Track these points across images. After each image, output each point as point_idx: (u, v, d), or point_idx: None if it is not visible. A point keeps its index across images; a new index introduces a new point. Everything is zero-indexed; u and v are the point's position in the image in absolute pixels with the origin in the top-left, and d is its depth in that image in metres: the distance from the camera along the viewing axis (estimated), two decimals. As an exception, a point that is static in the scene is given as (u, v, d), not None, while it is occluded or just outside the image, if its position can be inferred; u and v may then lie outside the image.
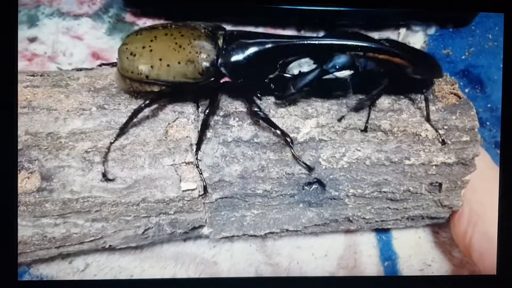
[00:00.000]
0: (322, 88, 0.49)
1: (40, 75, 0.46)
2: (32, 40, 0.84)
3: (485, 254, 0.49)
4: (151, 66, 0.42)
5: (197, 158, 0.45)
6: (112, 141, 0.43)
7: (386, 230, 0.58)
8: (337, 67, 0.44)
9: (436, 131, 0.48)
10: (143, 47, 0.43)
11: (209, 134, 0.46)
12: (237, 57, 0.43)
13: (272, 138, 0.46)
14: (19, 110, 0.42)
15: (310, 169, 0.47)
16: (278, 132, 0.45)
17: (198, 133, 0.44)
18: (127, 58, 0.43)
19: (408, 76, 0.47)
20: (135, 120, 0.43)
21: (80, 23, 0.87)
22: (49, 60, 0.81)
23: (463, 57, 0.88)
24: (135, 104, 0.45)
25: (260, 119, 0.45)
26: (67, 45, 0.83)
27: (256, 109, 0.45)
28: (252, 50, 0.43)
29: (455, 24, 0.92)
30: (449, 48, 0.91)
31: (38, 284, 0.45)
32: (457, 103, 0.50)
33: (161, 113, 0.45)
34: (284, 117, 0.47)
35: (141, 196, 0.44)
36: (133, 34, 0.45)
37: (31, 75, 0.46)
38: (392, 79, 0.47)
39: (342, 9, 0.84)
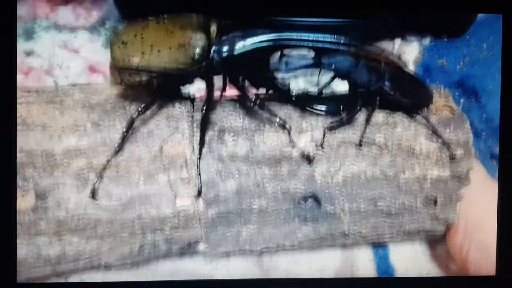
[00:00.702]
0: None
1: (35, 91, 0.46)
2: (29, 53, 0.84)
3: (482, 267, 0.49)
4: (142, 53, 0.42)
5: (199, 158, 0.44)
6: (109, 158, 0.43)
7: (383, 244, 0.58)
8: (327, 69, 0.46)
9: (445, 144, 0.48)
10: (135, 35, 0.43)
11: (204, 150, 0.46)
12: (228, 47, 0.43)
13: (267, 154, 0.46)
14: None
15: (309, 160, 0.47)
16: (277, 119, 0.46)
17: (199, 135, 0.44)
18: (119, 47, 0.43)
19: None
20: (130, 137, 0.43)
21: (77, 36, 0.88)
22: (46, 73, 0.81)
23: (458, 67, 0.89)
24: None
25: (259, 107, 0.45)
26: (63, 58, 0.84)
27: (253, 97, 0.45)
28: (244, 41, 0.43)
29: (449, 34, 0.93)
30: (444, 58, 0.92)
31: (36, 287, 0.45)
32: (451, 116, 0.51)
33: (156, 129, 0.45)
34: (279, 132, 0.47)
35: (136, 213, 0.44)
36: (125, 26, 0.45)
37: (26, 92, 0.46)
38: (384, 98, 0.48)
39: (336, 20, 0.85)
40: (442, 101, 0.52)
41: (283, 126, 0.46)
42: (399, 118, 0.49)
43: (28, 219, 0.42)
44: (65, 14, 0.92)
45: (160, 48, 0.42)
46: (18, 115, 0.43)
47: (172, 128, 0.45)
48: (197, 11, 0.49)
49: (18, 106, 0.44)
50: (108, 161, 0.43)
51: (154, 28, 0.43)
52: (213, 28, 0.44)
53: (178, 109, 0.46)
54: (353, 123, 0.48)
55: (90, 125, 0.43)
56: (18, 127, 0.42)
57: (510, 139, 0.52)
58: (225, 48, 0.43)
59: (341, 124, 0.47)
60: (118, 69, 0.43)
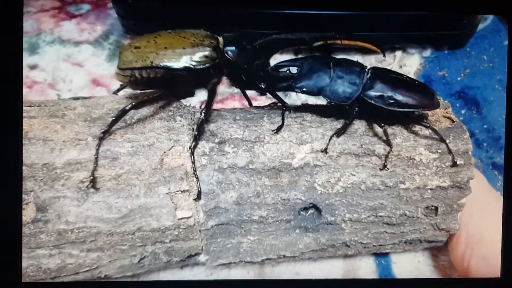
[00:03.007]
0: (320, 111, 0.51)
1: (37, 106, 0.47)
2: (33, 67, 0.85)
3: (484, 276, 0.49)
4: (156, 53, 0.45)
5: (193, 160, 0.45)
6: (100, 136, 0.43)
7: (385, 255, 0.58)
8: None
9: (450, 152, 0.48)
10: (148, 41, 0.46)
11: (204, 161, 0.46)
12: (235, 51, 0.46)
13: (267, 164, 0.46)
14: (16, 142, 0.43)
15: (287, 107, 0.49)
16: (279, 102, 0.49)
17: (194, 135, 0.45)
18: (131, 51, 0.46)
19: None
20: (130, 149, 0.44)
21: (81, 50, 0.89)
22: (49, 87, 0.82)
23: (458, 78, 0.89)
24: (131, 133, 0.45)
25: (265, 91, 0.48)
26: (67, 72, 0.85)
27: (262, 85, 0.48)
28: (247, 45, 0.47)
29: (450, 46, 0.93)
30: (445, 70, 0.92)
31: (41, 286, 0.45)
32: (451, 126, 0.51)
33: (157, 142, 0.45)
34: (279, 143, 0.47)
35: (136, 225, 0.44)
36: (136, 38, 0.48)
37: (28, 106, 0.46)
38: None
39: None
40: (441, 112, 0.52)
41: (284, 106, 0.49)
42: (398, 128, 0.49)
43: (28, 232, 0.42)
44: (69, 28, 0.94)
45: (175, 48, 0.45)
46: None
47: (172, 141, 0.45)
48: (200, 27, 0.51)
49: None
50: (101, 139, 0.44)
51: (166, 35, 0.47)
52: (221, 40, 0.47)
53: (179, 122, 0.47)
54: (352, 134, 0.48)
55: (91, 138, 0.44)
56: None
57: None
58: (233, 48, 0.46)
59: (346, 128, 0.48)
60: (130, 69, 0.46)
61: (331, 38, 0.48)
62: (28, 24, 0.92)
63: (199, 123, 0.45)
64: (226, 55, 0.46)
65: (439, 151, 0.49)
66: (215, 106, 0.49)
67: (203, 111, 0.46)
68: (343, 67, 0.49)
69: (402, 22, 0.86)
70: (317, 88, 0.48)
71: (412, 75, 0.91)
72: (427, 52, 0.95)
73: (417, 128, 0.50)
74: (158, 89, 0.46)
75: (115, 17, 0.90)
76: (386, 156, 0.47)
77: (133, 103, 0.44)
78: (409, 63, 0.93)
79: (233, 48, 0.47)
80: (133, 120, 0.46)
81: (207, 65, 0.45)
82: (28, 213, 0.42)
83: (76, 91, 0.80)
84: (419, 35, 0.91)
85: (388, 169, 0.47)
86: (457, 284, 0.53)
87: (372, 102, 0.48)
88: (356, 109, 0.48)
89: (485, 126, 0.83)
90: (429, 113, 0.52)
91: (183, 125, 0.47)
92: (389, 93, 0.48)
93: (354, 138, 0.48)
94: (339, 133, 0.48)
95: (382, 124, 0.47)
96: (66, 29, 0.93)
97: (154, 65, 0.44)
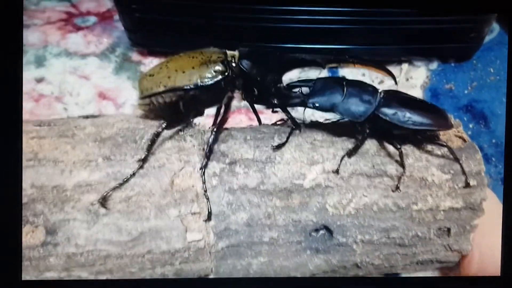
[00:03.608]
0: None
1: (47, 125, 0.47)
2: (39, 80, 0.85)
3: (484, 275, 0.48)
4: (168, 77, 0.46)
5: (203, 181, 0.45)
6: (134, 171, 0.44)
7: (396, 275, 0.57)
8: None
9: (464, 173, 0.47)
10: (160, 68, 0.48)
11: (214, 181, 0.46)
12: (249, 64, 0.47)
13: (279, 186, 0.46)
14: (25, 163, 0.42)
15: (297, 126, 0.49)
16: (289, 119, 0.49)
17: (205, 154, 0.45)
18: (146, 80, 0.48)
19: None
20: (141, 171, 0.44)
21: (87, 62, 0.89)
22: (56, 100, 0.82)
23: (466, 91, 0.89)
24: (141, 154, 0.45)
25: (277, 107, 0.49)
26: (73, 85, 0.85)
27: (275, 101, 0.49)
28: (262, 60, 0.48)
29: (456, 58, 0.93)
30: (452, 83, 0.92)
31: (41, 284, 0.44)
32: (463, 146, 0.50)
33: (167, 163, 0.45)
34: (290, 163, 0.47)
35: (146, 248, 0.43)
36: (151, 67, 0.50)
37: (37, 125, 0.46)
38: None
39: (343, 47, 0.86)
40: (452, 131, 0.52)
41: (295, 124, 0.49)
42: (410, 148, 0.49)
43: (37, 255, 0.41)
44: (76, 41, 0.94)
45: (184, 69, 0.46)
46: (29, 150, 0.43)
47: (183, 162, 0.45)
48: (206, 40, 0.51)
49: (30, 141, 0.44)
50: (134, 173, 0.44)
51: (177, 59, 0.48)
52: (231, 53, 0.48)
53: (190, 142, 0.46)
54: (364, 154, 0.48)
55: (101, 159, 0.43)
56: (29, 163, 0.42)
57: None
58: (248, 61, 0.47)
59: (357, 148, 0.47)
60: (148, 96, 0.47)
61: (344, 61, 0.49)
62: (34, 37, 0.92)
63: (210, 143, 0.45)
64: (241, 66, 0.47)
65: (452, 171, 0.48)
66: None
67: (214, 130, 0.46)
68: (355, 86, 0.49)
69: (408, 35, 0.86)
70: (330, 104, 0.48)
71: (419, 88, 0.91)
72: (434, 65, 0.94)
73: (429, 148, 0.49)
74: (177, 113, 0.47)
75: (122, 29, 0.90)
76: (399, 178, 0.47)
77: (164, 125, 0.44)
78: (415, 75, 0.92)
79: (248, 61, 0.47)
80: (143, 141, 0.46)
81: (217, 79, 0.46)
82: (37, 236, 0.41)
83: (83, 104, 0.80)
84: (425, 48, 0.91)
85: (400, 190, 0.47)
86: (457, 282, 0.53)
87: (387, 119, 0.47)
88: (368, 130, 0.47)
89: (494, 141, 0.82)
90: (441, 132, 0.52)
91: (194, 145, 0.47)
92: (405, 111, 0.48)
93: (366, 158, 0.48)
94: (350, 153, 0.47)
95: (399, 146, 0.47)
96: (73, 41, 0.93)
97: (167, 88, 0.45)
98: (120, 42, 0.92)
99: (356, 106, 0.47)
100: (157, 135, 0.44)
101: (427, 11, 0.80)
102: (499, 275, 0.47)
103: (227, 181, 0.46)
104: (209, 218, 0.45)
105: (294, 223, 0.47)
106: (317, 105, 0.48)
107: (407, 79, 0.92)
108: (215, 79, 0.46)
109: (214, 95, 0.48)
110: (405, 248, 0.50)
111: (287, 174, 0.46)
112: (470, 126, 0.83)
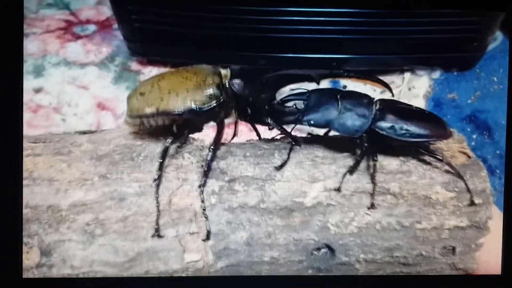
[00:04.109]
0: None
1: (43, 142, 0.46)
2: (38, 90, 0.85)
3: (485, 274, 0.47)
4: (161, 99, 0.44)
5: (202, 199, 0.44)
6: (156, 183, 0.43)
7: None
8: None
9: (468, 191, 0.46)
10: (152, 86, 0.45)
11: (213, 200, 0.45)
12: (241, 84, 0.46)
13: (279, 204, 0.45)
14: (20, 183, 0.41)
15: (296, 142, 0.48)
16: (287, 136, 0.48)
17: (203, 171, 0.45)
18: (137, 99, 0.45)
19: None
20: (138, 189, 0.43)
21: (86, 72, 0.88)
22: (54, 111, 0.81)
23: (469, 101, 0.88)
24: (138, 172, 0.44)
25: (274, 127, 0.48)
26: (72, 95, 0.84)
27: (268, 121, 0.47)
28: (254, 79, 0.47)
29: (459, 67, 0.92)
30: (455, 92, 0.91)
31: (42, 282, 0.43)
32: (467, 163, 0.49)
33: (165, 181, 0.44)
34: (290, 181, 0.46)
35: (143, 269, 0.42)
36: (141, 82, 0.48)
37: (33, 142, 0.45)
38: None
39: (345, 56, 0.85)
40: (456, 146, 0.51)
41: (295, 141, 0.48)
42: (414, 166, 0.48)
43: (32, 276, 0.40)
44: (75, 50, 0.93)
45: (178, 91, 0.44)
46: (24, 168, 0.42)
47: (181, 180, 0.44)
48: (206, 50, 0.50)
49: (25, 159, 0.43)
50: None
51: (169, 77, 0.46)
52: (224, 72, 0.47)
53: (188, 160, 0.45)
54: (366, 171, 0.47)
55: (97, 178, 0.42)
56: (24, 182, 0.42)
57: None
58: (239, 81, 0.46)
59: (358, 164, 0.46)
60: (138, 117, 0.45)
61: (339, 76, 0.48)
62: (33, 46, 0.91)
63: (208, 160, 0.44)
64: (232, 87, 0.46)
65: (456, 189, 0.47)
66: (225, 132, 0.48)
67: (212, 147, 0.45)
68: (350, 99, 0.48)
69: (410, 44, 0.85)
70: (325, 120, 0.47)
71: (421, 98, 0.90)
72: (436, 74, 0.93)
73: (433, 165, 0.48)
74: (168, 133, 0.46)
75: (121, 38, 0.89)
76: (372, 194, 0.46)
77: (170, 140, 0.43)
78: (418, 85, 0.91)
79: (239, 81, 0.46)
80: (140, 158, 0.45)
81: (212, 105, 0.45)
82: (32, 257, 0.40)
83: (82, 115, 0.79)
84: (428, 57, 0.90)
85: (376, 207, 0.46)
86: (457, 281, 0.51)
87: (384, 133, 0.46)
88: (366, 144, 0.46)
89: (498, 152, 0.81)
90: (444, 148, 0.51)
91: (192, 163, 0.46)
92: (401, 124, 0.47)
93: (368, 176, 0.47)
94: (352, 170, 0.46)
95: (376, 159, 0.46)
96: (72, 50, 0.92)
97: (160, 111, 0.44)
98: (119, 51, 0.92)
99: (352, 121, 0.47)
100: (165, 150, 0.43)
101: (431, 12, 0.79)
102: (500, 274, 0.47)
103: (227, 199, 0.45)
104: (207, 237, 0.44)
105: (295, 242, 0.46)
106: (312, 122, 0.47)
107: (410, 89, 0.91)
108: (210, 105, 0.44)
109: (208, 117, 0.47)
110: (409, 267, 0.48)
111: (287, 192, 0.45)
112: (474, 137, 0.82)
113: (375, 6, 0.78)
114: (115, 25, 0.93)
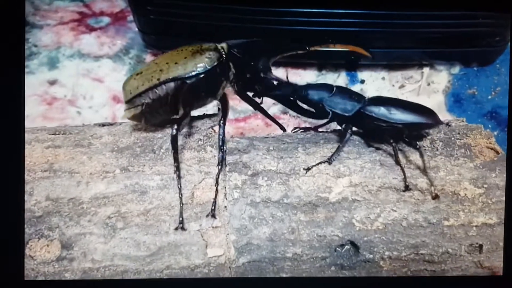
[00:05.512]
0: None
1: (62, 133, 0.45)
2: (52, 82, 0.84)
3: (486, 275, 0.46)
4: (161, 70, 0.44)
5: (220, 169, 0.43)
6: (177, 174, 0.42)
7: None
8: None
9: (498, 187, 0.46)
10: (148, 65, 0.46)
11: (236, 194, 0.44)
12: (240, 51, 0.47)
13: (303, 199, 0.44)
14: (40, 174, 0.41)
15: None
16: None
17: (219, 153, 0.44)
18: (135, 79, 0.45)
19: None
20: (160, 182, 0.42)
21: (101, 64, 0.87)
22: (69, 103, 0.80)
23: (489, 97, 0.86)
24: (160, 164, 0.43)
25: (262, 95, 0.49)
26: (87, 88, 0.83)
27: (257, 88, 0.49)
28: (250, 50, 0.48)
29: (479, 62, 0.90)
30: (475, 88, 0.88)
31: (43, 284, 0.43)
32: (495, 159, 0.48)
33: (187, 174, 0.43)
34: (315, 175, 0.45)
35: (165, 264, 0.41)
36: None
37: (52, 134, 0.44)
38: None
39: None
40: (484, 142, 0.49)
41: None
42: (442, 161, 0.47)
43: (52, 270, 0.40)
44: (89, 42, 0.92)
45: (176, 61, 0.45)
46: (44, 160, 0.41)
47: (203, 173, 0.43)
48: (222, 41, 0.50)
49: (45, 150, 0.42)
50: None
51: (164, 55, 0.47)
52: (224, 44, 0.47)
53: (210, 153, 0.44)
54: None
55: (119, 170, 0.42)
56: (44, 174, 0.41)
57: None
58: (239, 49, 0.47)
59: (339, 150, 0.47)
60: (138, 95, 0.45)
61: (324, 43, 0.53)
62: (47, 38, 0.90)
63: (221, 142, 0.44)
64: (233, 51, 0.46)
65: (485, 185, 0.46)
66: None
67: (221, 122, 0.45)
68: (344, 89, 0.51)
69: (430, 38, 0.83)
70: (319, 97, 0.48)
71: (441, 93, 0.88)
72: (456, 69, 0.91)
73: (461, 161, 0.47)
74: (172, 111, 0.46)
75: (135, 30, 0.88)
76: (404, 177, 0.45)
77: (176, 127, 0.42)
78: (437, 80, 0.89)
79: (239, 48, 0.47)
80: (162, 151, 0.44)
81: (213, 64, 0.45)
82: (52, 250, 0.40)
83: (97, 108, 0.79)
84: (448, 51, 0.88)
85: (411, 189, 0.45)
86: (458, 281, 0.50)
87: (373, 115, 0.47)
88: (350, 131, 0.47)
89: (521, 150, 0.79)
90: (472, 143, 0.49)
91: (214, 156, 0.45)
92: (390, 108, 0.48)
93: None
94: (330, 159, 0.46)
95: (391, 141, 0.47)
96: (86, 42, 0.91)
97: (161, 81, 0.43)
98: (134, 43, 0.90)
99: (343, 100, 0.48)
100: (174, 139, 0.42)
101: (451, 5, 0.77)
102: (501, 274, 0.46)
103: (249, 193, 0.44)
104: (213, 215, 0.42)
105: (318, 238, 0.44)
106: (307, 93, 0.48)
107: (429, 84, 0.89)
108: (212, 64, 0.44)
109: (209, 85, 0.46)
110: (434, 265, 0.47)
111: (312, 187, 0.44)
112: (495, 133, 0.80)
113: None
114: (130, 17, 0.91)
